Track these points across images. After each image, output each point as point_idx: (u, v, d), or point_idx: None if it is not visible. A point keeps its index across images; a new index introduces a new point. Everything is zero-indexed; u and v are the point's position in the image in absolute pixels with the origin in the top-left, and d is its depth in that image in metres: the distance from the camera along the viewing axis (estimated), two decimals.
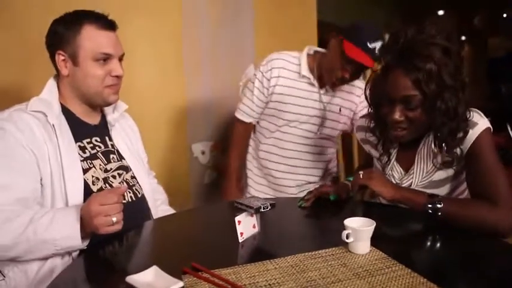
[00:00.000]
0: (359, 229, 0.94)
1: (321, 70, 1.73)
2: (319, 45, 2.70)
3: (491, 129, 1.18)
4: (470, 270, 0.90)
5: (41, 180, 1.14)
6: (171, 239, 1.17)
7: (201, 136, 2.30)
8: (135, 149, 1.44)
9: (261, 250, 1.05)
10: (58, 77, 1.28)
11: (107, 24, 1.24)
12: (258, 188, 1.96)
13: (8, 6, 1.66)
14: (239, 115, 1.90)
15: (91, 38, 1.21)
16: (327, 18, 4.48)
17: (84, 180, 1.20)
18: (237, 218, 1.05)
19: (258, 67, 1.82)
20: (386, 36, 1.35)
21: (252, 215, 1.09)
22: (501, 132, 4.34)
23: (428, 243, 1.09)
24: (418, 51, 1.11)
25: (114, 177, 1.28)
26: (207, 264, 0.90)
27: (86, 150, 1.25)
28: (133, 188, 1.33)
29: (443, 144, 1.18)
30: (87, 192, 1.17)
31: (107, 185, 1.25)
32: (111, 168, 1.29)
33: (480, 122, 1.17)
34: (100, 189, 1.22)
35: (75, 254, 1.13)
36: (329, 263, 0.91)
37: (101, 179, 1.24)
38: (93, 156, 1.26)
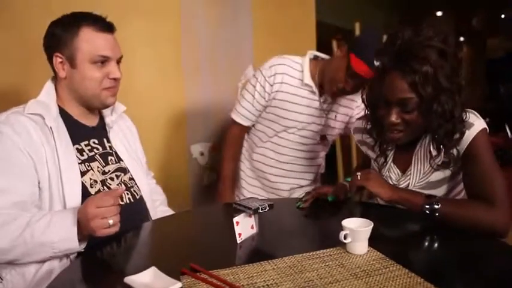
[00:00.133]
0: (357, 230, 0.95)
1: (322, 78, 1.72)
2: (318, 46, 2.72)
3: (488, 130, 1.18)
4: (468, 271, 0.91)
5: (38, 183, 1.14)
6: (170, 239, 1.17)
7: (200, 137, 2.30)
8: (133, 150, 1.44)
9: (259, 251, 1.06)
10: (56, 79, 1.27)
11: (105, 26, 1.23)
12: (250, 190, 1.96)
13: (7, 6, 1.67)
14: (237, 117, 1.86)
15: (89, 41, 1.20)
16: (326, 19, 4.49)
17: (82, 183, 1.20)
18: (235, 219, 1.05)
19: (259, 70, 1.79)
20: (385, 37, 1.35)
21: (250, 216, 1.10)
22: (500, 133, 4.35)
23: (426, 244, 1.09)
24: (414, 54, 1.11)
25: (112, 179, 1.28)
26: (205, 265, 0.90)
27: (84, 153, 1.25)
28: (132, 189, 1.32)
29: (440, 146, 1.19)
30: (85, 195, 1.17)
31: (104, 187, 1.25)
32: (109, 171, 1.29)
33: (476, 123, 1.17)
34: (98, 192, 1.22)
35: (73, 256, 1.13)
36: (327, 263, 0.91)
37: (98, 182, 1.24)
38: (91, 159, 1.26)
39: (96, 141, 1.30)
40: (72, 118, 1.28)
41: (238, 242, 1.05)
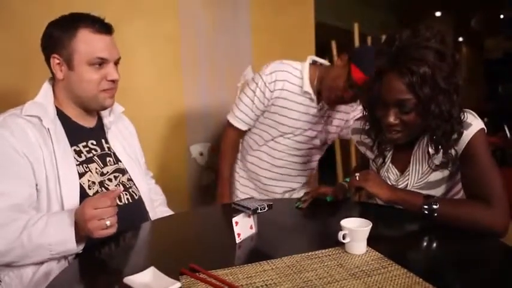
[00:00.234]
0: (355, 230, 0.95)
1: (320, 85, 1.71)
2: (317, 47, 2.72)
3: (485, 130, 1.18)
4: (466, 270, 0.91)
5: (36, 185, 1.13)
6: (169, 240, 1.17)
7: (200, 138, 2.30)
8: (132, 151, 1.44)
9: (258, 251, 1.06)
10: (53, 80, 1.27)
11: (103, 27, 1.22)
12: (243, 190, 1.96)
13: (7, 6, 1.67)
14: (234, 121, 1.84)
15: (86, 42, 1.19)
16: (325, 20, 4.49)
17: (80, 184, 1.19)
18: (234, 219, 1.06)
19: (259, 75, 1.76)
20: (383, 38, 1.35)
21: (249, 216, 1.10)
22: (498, 133, 4.36)
23: (424, 244, 1.10)
24: (412, 55, 1.11)
25: (110, 180, 1.28)
26: (204, 265, 0.90)
27: (82, 154, 1.24)
28: (130, 190, 1.32)
29: (438, 146, 1.19)
30: (83, 196, 1.17)
31: (102, 188, 1.24)
32: (107, 172, 1.28)
33: (474, 123, 1.17)
34: (96, 193, 1.21)
35: (70, 258, 1.13)
36: (326, 263, 0.92)
37: (97, 183, 1.24)
38: (89, 160, 1.25)
39: (94, 143, 1.30)
40: (70, 119, 1.27)
41: (237, 242, 1.05)
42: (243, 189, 1.96)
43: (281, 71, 1.73)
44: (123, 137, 1.43)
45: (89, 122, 1.32)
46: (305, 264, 0.91)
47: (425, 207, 1.13)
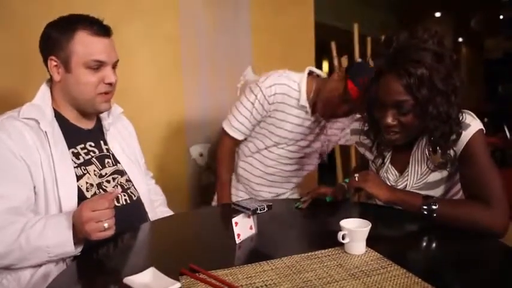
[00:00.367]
0: (355, 230, 0.96)
1: (316, 97, 1.72)
2: (317, 47, 2.72)
3: (484, 131, 1.19)
4: (465, 270, 0.91)
5: (34, 188, 1.13)
6: (169, 240, 1.18)
7: (200, 138, 2.30)
8: (131, 152, 1.43)
9: (258, 251, 1.06)
10: (51, 81, 1.26)
11: (101, 30, 1.21)
12: (233, 192, 1.97)
13: (7, 6, 1.67)
14: (231, 131, 1.82)
15: (84, 44, 1.18)
16: (325, 20, 4.49)
17: (78, 187, 1.19)
18: (234, 220, 1.06)
19: (258, 86, 1.74)
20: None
21: (249, 217, 1.10)
22: (498, 133, 4.36)
23: (424, 244, 1.10)
24: (409, 56, 1.11)
25: (108, 181, 1.27)
26: (204, 266, 0.90)
27: (80, 156, 1.24)
28: (128, 191, 1.32)
29: (437, 147, 1.19)
30: (81, 198, 1.17)
31: (100, 190, 1.24)
32: (106, 173, 1.28)
33: (473, 124, 1.18)
34: (94, 195, 1.21)
35: (69, 260, 1.13)
36: (325, 263, 0.92)
37: (95, 185, 1.23)
38: (87, 162, 1.25)
39: (93, 144, 1.29)
40: (68, 121, 1.27)
41: (237, 242, 1.06)
42: (233, 191, 1.98)
43: (280, 85, 1.73)
44: (122, 137, 1.42)
45: (87, 124, 1.32)
46: (305, 265, 0.91)
47: (425, 207, 1.13)
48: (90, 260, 1.04)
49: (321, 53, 3.15)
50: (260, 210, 1.07)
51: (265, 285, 0.84)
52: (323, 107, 1.68)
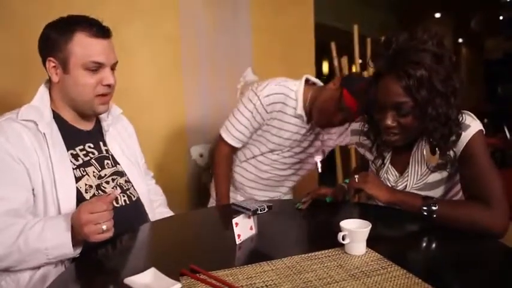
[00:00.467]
0: (355, 231, 0.96)
1: (312, 105, 1.73)
2: (317, 48, 2.72)
3: (484, 132, 1.19)
4: (465, 271, 0.91)
5: (33, 190, 1.13)
6: (169, 241, 1.18)
7: (200, 139, 2.30)
8: (131, 152, 1.42)
9: (258, 252, 1.06)
10: (50, 82, 1.26)
11: (100, 31, 1.20)
12: (231, 195, 1.97)
13: (7, 6, 1.67)
14: (229, 139, 1.82)
15: (82, 46, 1.18)
16: (325, 21, 4.50)
17: (77, 188, 1.19)
18: (234, 220, 1.06)
19: (257, 95, 1.74)
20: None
21: (249, 217, 1.10)
22: (498, 134, 4.35)
23: (424, 244, 1.10)
24: (409, 58, 1.12)
25: (107, 182, 1.27)
26: (204, 266, 0.90)
27: (79, 158, 1.24)
28: (128, 191, 1.31)
29: (436, 148, 1.20)
30: (80, 200, 1.17)
31: (99, 191, 1.24)
32: (105, 175, 1.28)
33: (472, 125, 1.18)
34: (93, 197, 1.21)
35: (67, 262, 1.13)
36: (325, 264, 0.92)
37: (94, 186, 1.23)
38: (87, 164, 1.24)
39: (92, 146, 1.29)
40: (67, 123, 1.26)
41: (238, 243, 1.06)
42: (231, 195, 1.97)
43: (279, 94, 1.74)
44: (122, 138, 1.41)
45: (86, 125, 1.31)
46: (305, 265, 0.92)
47: (425, 208, 1.14)
48: (90, 262, 1.04)
49: (321, 54, 3.15)
50: (260, 210, 1.07)
51: (266, 285, 0.84)
52: (318, 115, 1.70)
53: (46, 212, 1.14)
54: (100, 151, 1.31)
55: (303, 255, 0.97)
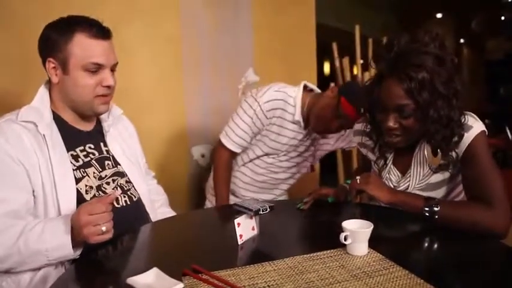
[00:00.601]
0: (357, 231, 0.96)
1: (309, 112, 1.75)
2: (318, 48, 2.72)
3: (486, 132, 1.19)
4: (467, 272, 0.91)
5: (33, 191, 1.13)
6: (171, 241, 1.18)
7: (201, 139, 2.30)
8: (131, 153, 1.42)
9: (260, 252, 1.06)
10: (50, 83, 1.25)
11: (100, 32, 1.20)
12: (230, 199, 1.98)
13: (7, 6, 1.67)
14: (229, 145, 1.83)
15: (82, 47, 1.17)
16: (326, 21, 4.50)
17: (77, 189, 1.19)
18: (236, 220, 1.06)
19: (256, 101, 1.75)
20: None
21: (251, 218, 1.10)
22: (500, 135, 4.35)
23: (426, 245, 1.10)
24: (410, 60, 1.12)
25: (108, 183, 1.27)
26: (206, 266, 0.90)
27: (79, 159, 1.23)
28: (128, 192, 1.31)
29: (437, 150, 1.20)
30: (80, 201, 1.16)
31: (99, 192, 1.23)
32: (106, 175, 1.27)
33: (475, 125, 1.18)
34: (93, 198, 1.20)
35: (67, 263, 1.13)
36: (327, 264, 0.92)
37: (94, 187, 1.23)
38: (87, 164, 1.24)
39: (92, 146, 1.28)
40: (67, 124, 1.26)
41: (240, 243, 1.06)
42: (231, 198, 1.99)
43: (278, 100, 1.75)
44: (123, 139, 1.41)
45: (87, 126, 1.31)
46: (307, 265, 0.92)
47: (426, 209, 1.14)
48: (90, 263, 1.04)
49: (323, 54, 3.15)
50: (262, 211, 1.07)
51: (268, 285, 0.84)
52: (316, 121, 1.72)
53: (46, 214, 1.14)
54: (100, 152, 1.30)
55: (305, 255, 0.97)
